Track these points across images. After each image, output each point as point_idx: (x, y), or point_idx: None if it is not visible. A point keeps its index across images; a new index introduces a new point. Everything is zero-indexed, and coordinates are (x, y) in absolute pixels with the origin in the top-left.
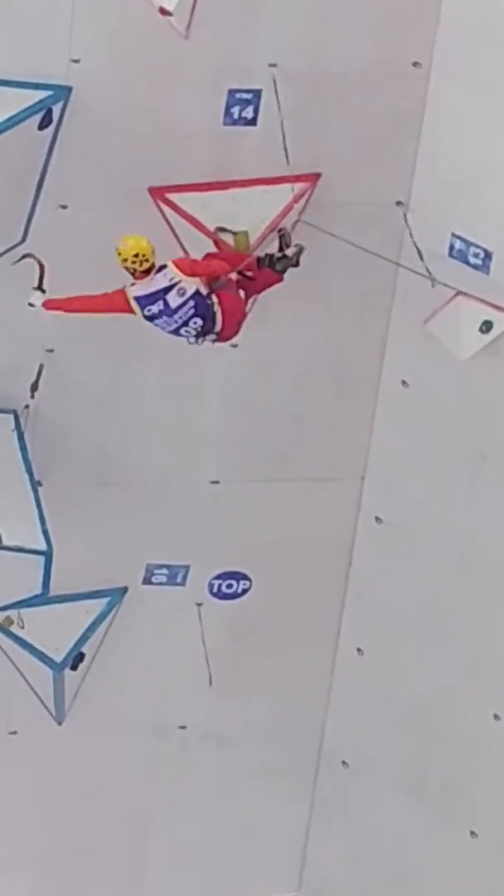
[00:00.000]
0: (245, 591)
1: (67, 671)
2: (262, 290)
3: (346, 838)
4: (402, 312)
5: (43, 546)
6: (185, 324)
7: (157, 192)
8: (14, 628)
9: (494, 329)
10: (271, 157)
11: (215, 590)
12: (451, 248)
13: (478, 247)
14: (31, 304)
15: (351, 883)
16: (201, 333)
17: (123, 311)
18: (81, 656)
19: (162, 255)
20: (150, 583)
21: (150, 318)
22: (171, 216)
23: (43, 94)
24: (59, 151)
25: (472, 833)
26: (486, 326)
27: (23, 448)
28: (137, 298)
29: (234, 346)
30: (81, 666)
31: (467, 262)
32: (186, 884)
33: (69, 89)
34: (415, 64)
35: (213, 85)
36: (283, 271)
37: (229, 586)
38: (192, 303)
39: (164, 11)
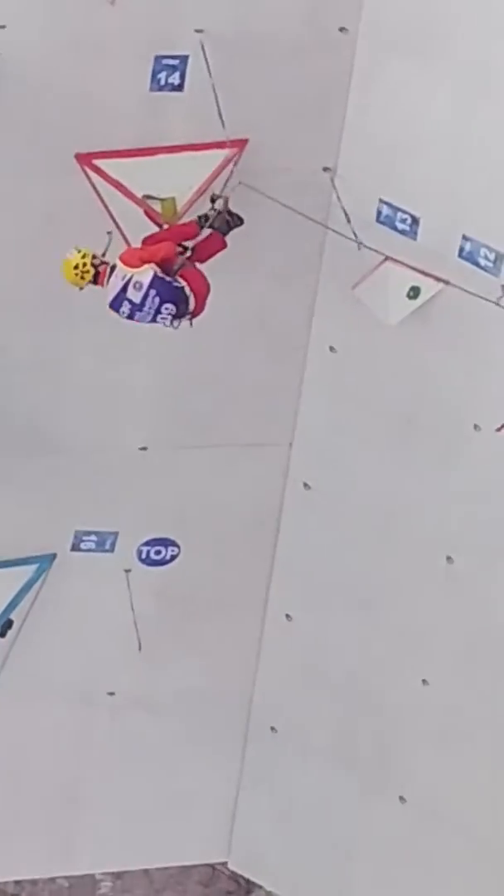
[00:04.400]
0: (173, 557)
1: None
2: (208, 259)
3: (276, 805)
4: (330, 278)
5: None
6: (158, 312)
7: (84, 159)
8: None
9: (422, 295)
10: (199, 122)
11: (144, 556)
12: (379, 213)
13: (405, 212)
14: None
15: (280, 849)
16: (177, 316)
17: None
18: (10, 623)
19: (95, 224)
20: (79, 549)
21: (131, 318)
22: (99, 183)
23: None
24: None
25: (402, 799)
26: (414, 292)
27: None
28: (110, 305)
29: None
30: (10, 633)
31: (395, 228)
32: (116, 850)
33: None
34: (342, 29)
35: (139, 51)
36: (226, 232)
37: (158, 553)
38: (153, 291)
39: None
